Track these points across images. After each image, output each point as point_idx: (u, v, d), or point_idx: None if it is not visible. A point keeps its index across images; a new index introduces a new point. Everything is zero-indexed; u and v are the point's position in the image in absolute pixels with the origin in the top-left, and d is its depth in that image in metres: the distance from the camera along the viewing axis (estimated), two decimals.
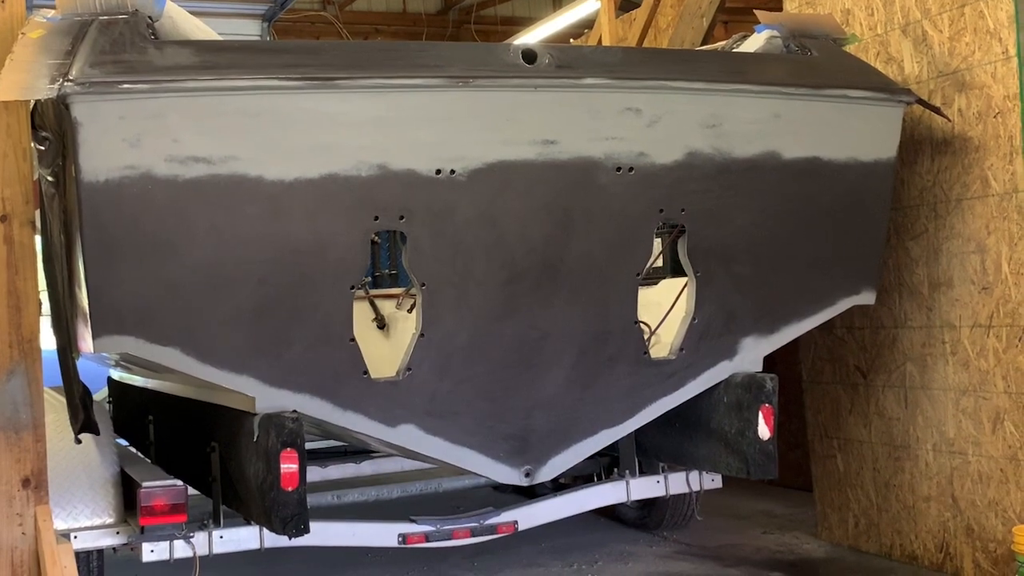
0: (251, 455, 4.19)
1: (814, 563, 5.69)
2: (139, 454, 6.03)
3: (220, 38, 4.23)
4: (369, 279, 7.13)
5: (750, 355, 4.80)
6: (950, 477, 5.16)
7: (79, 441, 4.56)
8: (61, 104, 3.60)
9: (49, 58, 3.64)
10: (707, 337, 4.67)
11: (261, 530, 4.66)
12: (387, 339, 6.13)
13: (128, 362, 6.26)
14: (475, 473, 4.66)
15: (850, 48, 5.18)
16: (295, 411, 4.09)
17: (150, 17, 3.86)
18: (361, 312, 5.57)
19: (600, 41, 9.32)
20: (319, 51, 4.05)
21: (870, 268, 4.94)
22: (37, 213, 4.41)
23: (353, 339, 4.13)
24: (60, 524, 4.55)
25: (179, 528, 4.55)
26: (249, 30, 9.72)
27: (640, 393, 4.66)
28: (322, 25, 16.98)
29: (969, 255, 5.01)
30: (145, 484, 4.51)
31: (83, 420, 4.46)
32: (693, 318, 4.62)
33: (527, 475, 4.59)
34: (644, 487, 5.56)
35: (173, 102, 3.69)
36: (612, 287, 4.45)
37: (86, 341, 3.94)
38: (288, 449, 4.04)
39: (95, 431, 4.56)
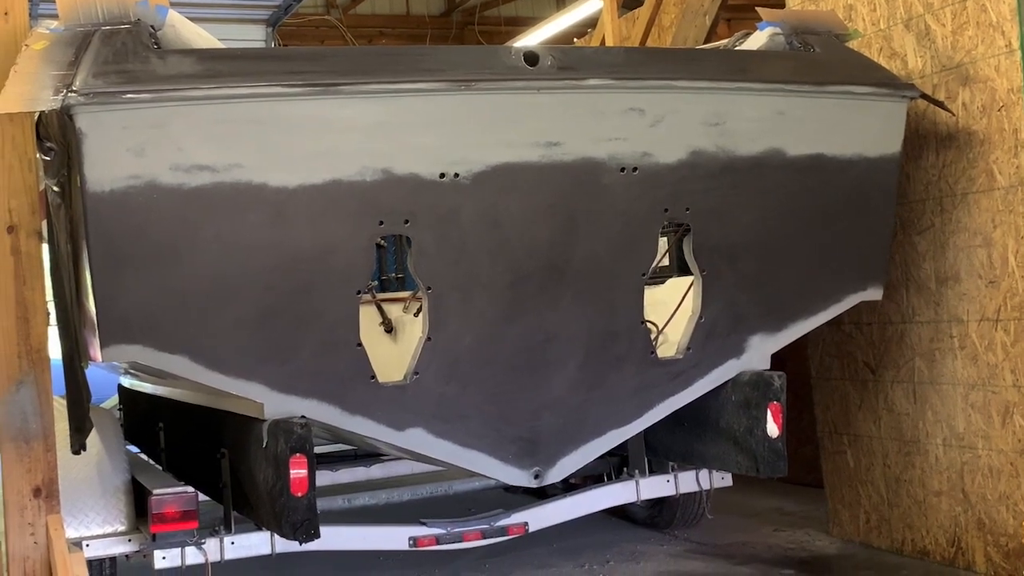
0: (260, 461, 4.20)
1: (826, 560, 5.68)
2: (150, 461, 6.06)
3: (222, 45, 4.24)
4: (376, 283, 7.13)
5: (757, 353, 4.79)
6: (960, 472, 5.15)
7: (77, 452, 4.54)
8: (65, 115, 3.61)
9: (53, 69, 3.65)
10: (714, 336, 4.67)
11: (272, 535, 4.67)
12: (394, 343, 6.13)
13: (137, 370, 6.29)
14: (485, 475, 4.67)
15: (853, 44, 5.18)
16: (303, 416, 4.10)
17: (152, 26, 3.88)
18: (368, 316, 5.58)
19: (603, 40, 9.31)
20: (321, 57, 4.06)
21: (877, 264, 4.93)
22: (44, 223, 4.42)
23: (360, 344, 4.14)
24: (72, 533, 4.57)
25: (191, 535, 4.57)
26: (253, 35, 9.71)
27: (648, 393, 4.66)
28: (326, 29, 17.01)
29: (976, 249, 5.00)
30: (156, 491, 4.53)
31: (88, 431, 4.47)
32: (700, 317, 4.62)
33: (536, 476, 4.60)
34: (654, 486, 5.58)
35: (176, 111, 3.70)
36: (618, 287, 4.45)
37: (94, 350, 3.96)
38: (297, 455, 4.05)
39: (84, 447, 4.55)
